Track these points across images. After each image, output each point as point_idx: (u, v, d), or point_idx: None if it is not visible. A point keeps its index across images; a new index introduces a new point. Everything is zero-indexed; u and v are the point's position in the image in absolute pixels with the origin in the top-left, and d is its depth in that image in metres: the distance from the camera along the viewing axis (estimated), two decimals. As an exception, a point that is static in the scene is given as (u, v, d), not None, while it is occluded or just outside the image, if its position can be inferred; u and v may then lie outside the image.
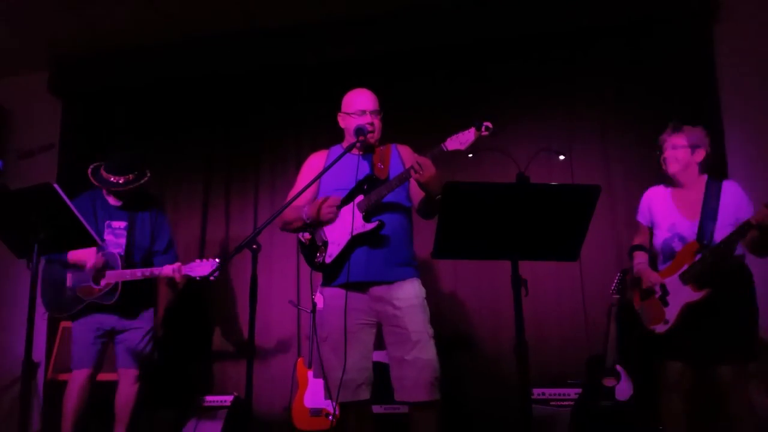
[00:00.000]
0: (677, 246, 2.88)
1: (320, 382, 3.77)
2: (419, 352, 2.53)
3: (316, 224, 2.69)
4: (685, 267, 2.80)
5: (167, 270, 3.33)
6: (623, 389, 3.28)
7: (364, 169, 2.73)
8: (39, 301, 3.43)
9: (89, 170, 3.52)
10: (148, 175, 3.53)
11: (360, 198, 2.65)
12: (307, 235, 2.72)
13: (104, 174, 3.48)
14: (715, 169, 3.79)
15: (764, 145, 3.93)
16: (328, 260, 2.67)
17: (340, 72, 4.57)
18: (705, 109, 3.98)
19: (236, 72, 4.84)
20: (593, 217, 2.09)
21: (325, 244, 2.68)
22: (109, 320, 3.48)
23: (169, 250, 3.64)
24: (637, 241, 3.13)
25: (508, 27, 4.35)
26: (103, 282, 3.42)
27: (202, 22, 4.58)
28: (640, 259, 3.05)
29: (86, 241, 2.76)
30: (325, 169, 2.65)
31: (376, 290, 2.65)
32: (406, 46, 4.53)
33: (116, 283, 3.38)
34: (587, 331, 3.92)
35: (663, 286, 2.86)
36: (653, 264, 3.05)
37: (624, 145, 4.14)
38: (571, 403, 3.49)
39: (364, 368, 2.64)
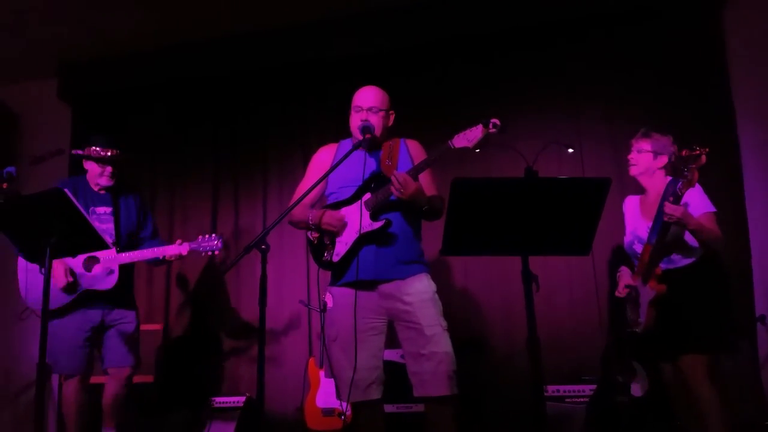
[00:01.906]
0: (638, 248, 2.95)
1: (332, 382, 3.76)
2: (435, 346, 2.52)
3: (322, 231, 2.71)
4: (642, 268, 2.86)
5: (172, 249, 3.30)
6: (639, 385, 3.24)
7: (371, 165, 2.72)
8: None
9: (74, 152, 3.52)
10: (131, 158, 3.60)
11: (368, 196, 2.64)
12: (315, 234, 2.73)
13: (92, 149, 3.45)
14: (728, 158, 3.79)
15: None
16: (335, 259, 2.66)
17: (346, 67, 4.58)
18: (716, 96, 3.95)
19: (242, 70, 4.87)
20: (605, 211, 2.06)
21: (333, 242, 2.67)
22: (97, 315, 3.36)
23: (156, 235, 3.62)
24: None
25: (514, 17, 4.34)
26: (96, 268, 3.34)
27: (207, 23, 4.60)
28: (622, 267, 3.10)
29: (96, 245, 2.77)
30: (330, 170, 2.64)
31: (386, 288, 2.63)
32: (412, 40, 4.53)
33: (112, 268, 3.33)
34: (601, 327, 3.89)
35: (635, 288, 2.91)
36: None
37: (634, 134, 4.09)
38: (586, 399, 3.46)
39: (374, 367, 2.62)
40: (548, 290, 3.81)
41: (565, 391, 3.58)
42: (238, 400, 4.07)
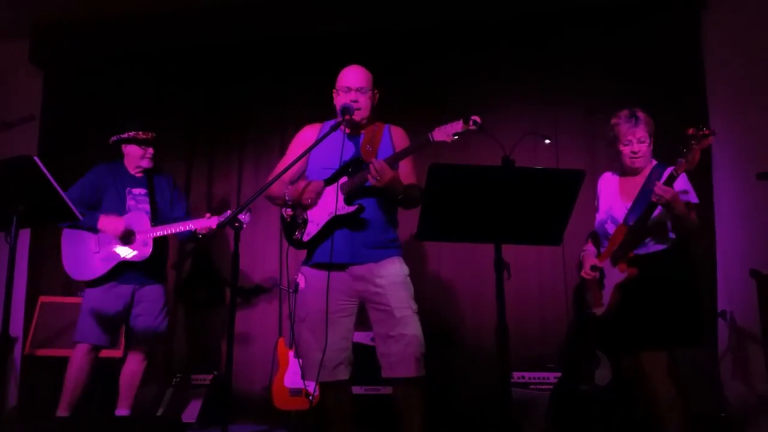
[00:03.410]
0: (610, 228, 2.87)
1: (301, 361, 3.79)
2: (404, 328, 2.56)
3: (297, 205, 2.70)
4: (614, 249, 2.80)
5: (202, 222, 3.37)
6: (603, 374, 3.31)
7: (350, 149, 2.72)
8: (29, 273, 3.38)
9: (112, 140, 3.62)
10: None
11: (344, 180, 2.65)
12: (289, 211, 2.74)
13: (133, 133, 3.59)
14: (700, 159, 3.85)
15: (749, 134, 3.96)
16: (305, 238, 2.68)
17: (327, 46, 4.55)
18: (690, 96, 4.01)
19: (220, 44, 4.79)
20: (577, 202, 2.09)
21: (305, 222, 2.69)
22: (128, 290, 3.46)
23: (188, 216, 3.68)
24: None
25: (494, 8, 4.34)
26: (133, 243, 3.45)
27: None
28: (587, 245, 3.06)
29: (66, 215, 2.72)
30: (310, 148, 2.63)
31: (357, 270, 2.65)
32: (394, 24, 4.50)
33: (147, 239, 3.42)
34: (568, 316, 3.95)
35: (600, 270, 2.87)
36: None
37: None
38: (551, 386, 3.52)
39: (342, 348, 2.65)
40: (518, 279, 3.83)
41: (530, 378, 3.64)
42: (206, 378, 4.06)
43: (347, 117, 2.65)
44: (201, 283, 4.58)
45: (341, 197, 2.63)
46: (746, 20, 4.04)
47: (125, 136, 3.59)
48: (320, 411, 2.80)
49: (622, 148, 2.86)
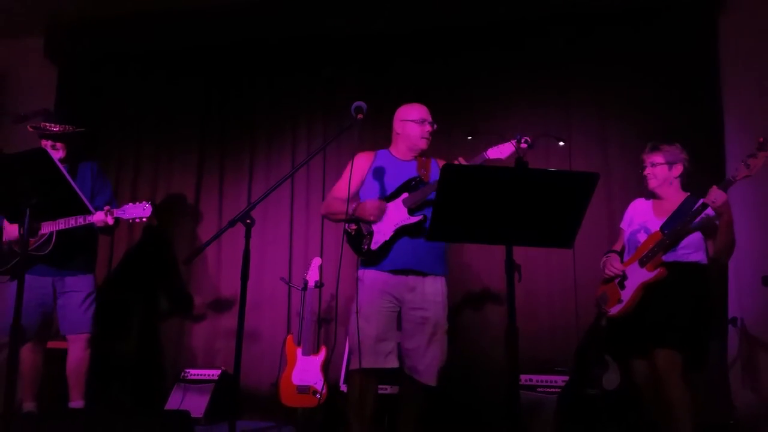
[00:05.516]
0: (642, 237, 2.99)
1: (308, 359, 3.82)
2: (435, 344, 2.89)
3: (362, 220, 2.94)
4: (645, 252, 2.90)
5: (98, 215, 3.29)
6: (611, 378, 3.29)
7: (408, 172, 3.01)
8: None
9: (29, 128, 3.55)
10: (83, 130, 3.63)
11: (405, 196, 2.94)
12: (353, 226, 2.98)
13: (42, 123, 3.52)
14: (713, 164, 3.83)
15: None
16: (374, 247, 2.92)
17: (339, 46, 4.58)
18: (705, 99, 3.99)
19: (233, 43, 4.81)
20: (589, 205, 2.08)
21: (371, 233, 2.93)
22: (47, 282, 3.43)
23: (111, 204, 3.60)
24: (616, 247, 3.20)
25: (508, 9, 4.34)
26: (38, 234, 3.40)
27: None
28: (610, 255, 3.14)
29: (79, 208, 2.74)
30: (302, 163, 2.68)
31: (410, 280, 2.91)
32: (405, 25, 4.51)
33: (50, 233, 3.36)
34: (577, 319, 3.94)
35: (623, 272, 2.98)
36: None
37: (623, 133, 4.13)
38: (558, 390, 3.51)
39: (393, 339, 2.90)
40: (527, 280, 3.84)
41: (537, 381, 3.63)
42: (213, 374, 4.07)
43: (360, 116, 2.73)
44: (210, 280, 4.59)
45: (404, 209, 2.91)
46: (762, 25, 4.00)
47: (36, 129, 3.51)
48: (350, 394, 2.92)
49: (643, 172, 3.06)
